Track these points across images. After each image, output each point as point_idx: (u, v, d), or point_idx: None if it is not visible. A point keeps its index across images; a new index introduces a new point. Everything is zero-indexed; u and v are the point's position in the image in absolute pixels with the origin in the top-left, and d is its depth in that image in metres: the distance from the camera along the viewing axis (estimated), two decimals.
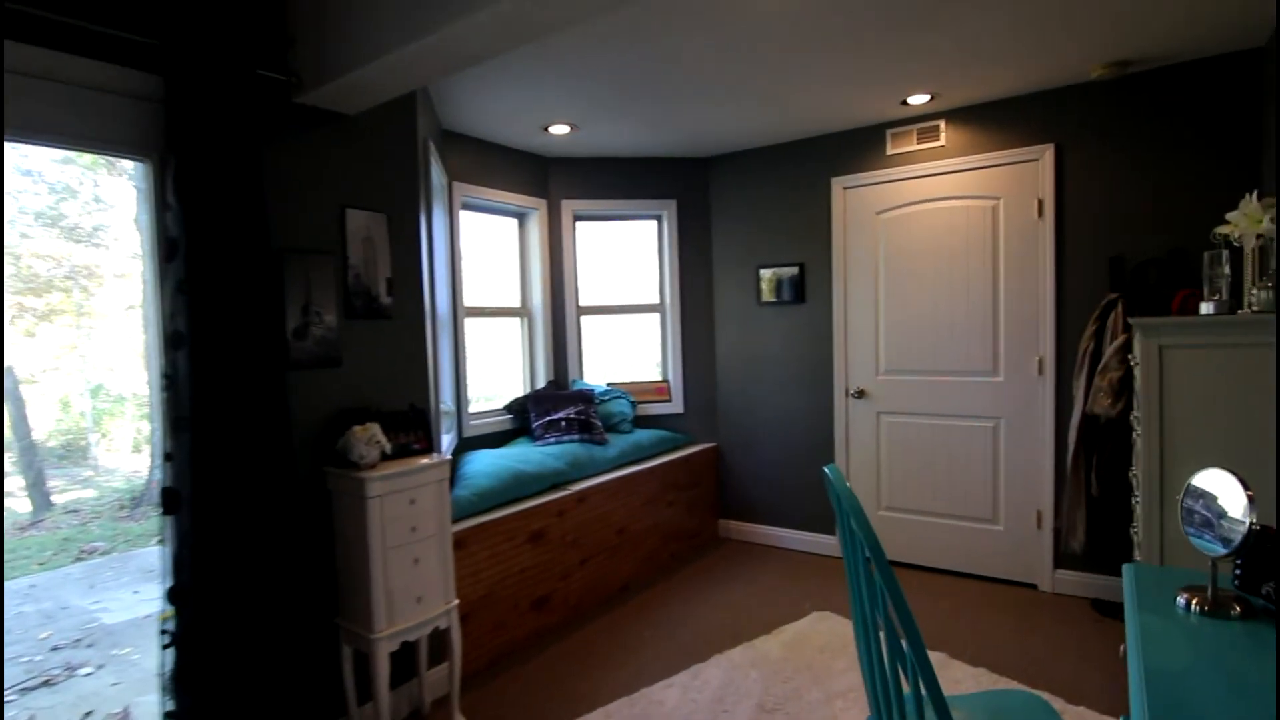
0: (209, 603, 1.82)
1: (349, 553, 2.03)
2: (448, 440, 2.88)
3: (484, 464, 2.92)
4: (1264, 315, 1.78)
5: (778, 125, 3.52)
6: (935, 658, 2.51)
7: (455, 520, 2.53)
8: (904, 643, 1.17)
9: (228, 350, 1.86)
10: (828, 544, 3.83)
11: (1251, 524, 1.15)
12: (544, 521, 2.87)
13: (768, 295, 3.98)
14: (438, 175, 2.97)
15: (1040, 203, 3.13)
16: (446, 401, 2.99)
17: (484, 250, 3.75)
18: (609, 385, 4.12)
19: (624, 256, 4.27)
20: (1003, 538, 3.32)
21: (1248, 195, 1.87)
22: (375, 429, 2.04)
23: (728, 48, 2.47)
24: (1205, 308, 1.93)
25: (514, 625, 2.72)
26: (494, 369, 3.86)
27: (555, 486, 3.10)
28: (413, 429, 2.21)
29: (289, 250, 2.08)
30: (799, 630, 2.82)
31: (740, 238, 4.07)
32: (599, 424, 3.60)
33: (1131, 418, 2.62)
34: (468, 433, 3.38)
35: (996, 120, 3.23)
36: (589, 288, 4.17)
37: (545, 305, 3.95)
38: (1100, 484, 2.92)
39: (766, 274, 3.97)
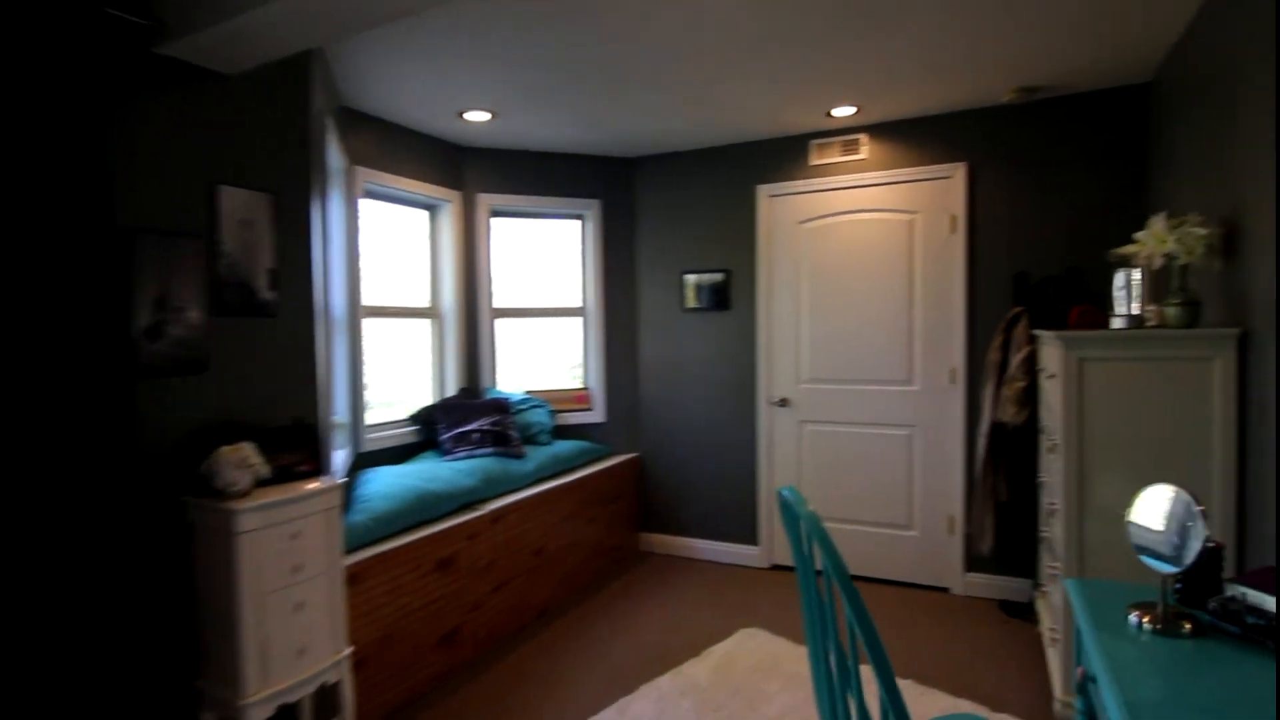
0: (9, 678, 1.41)
1: (213, 600, 1.66)
2: (341, 458, 2.51)
3: (384, 484, 2.57)
4: (1176, 330, 1.81)
5: (706, 128, 3.40)
6: (865, 673, 2.44)
7: (349, 551, 2.18)
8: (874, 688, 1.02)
9: (48, 351, 1.46)
10: (749, 555, 3.74)
11: (1206, 541, 1.10)
12: (454, 546, 2.56)
13: (692, 301, 3.85)
14: (336, 156, 2.61)
15: (953, 219, 3.19)
16: (340, 413, 2.62)
17: (390, 244, 3.37)
18: (526, 393, 3.84)
19: (544, 257, 4.01)
20: (917, 543, 3.35)
21: (1152, 216, 1.91)
22: (248, 449, 1.68)
23: (659, 38, 2.31)
24: (1116, 322, 1.96)
25: (419, 667, 2.40)
26: (398, 375, 3.48)
27: (467, 506, 2.79)
28: (297, 447, 1.86)
29: (141, 230, 1.69)
30: (727, 651, 2.68)
31: (665, 242, 3.93)
32: (515, 436, 3.32)
33: (1041, 425, 2.67)
34: (366, 447, 3.00)
35: (915, 137, 3.27)
36: (506, 289, 3.88)
37: (458, 306, 3.62)
38: (1008, 489, 2.98)
39: (691, 280, 3.85)
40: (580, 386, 4.04)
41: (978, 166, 3.14)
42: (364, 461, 2.99)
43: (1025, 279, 3.06)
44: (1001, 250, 3.11)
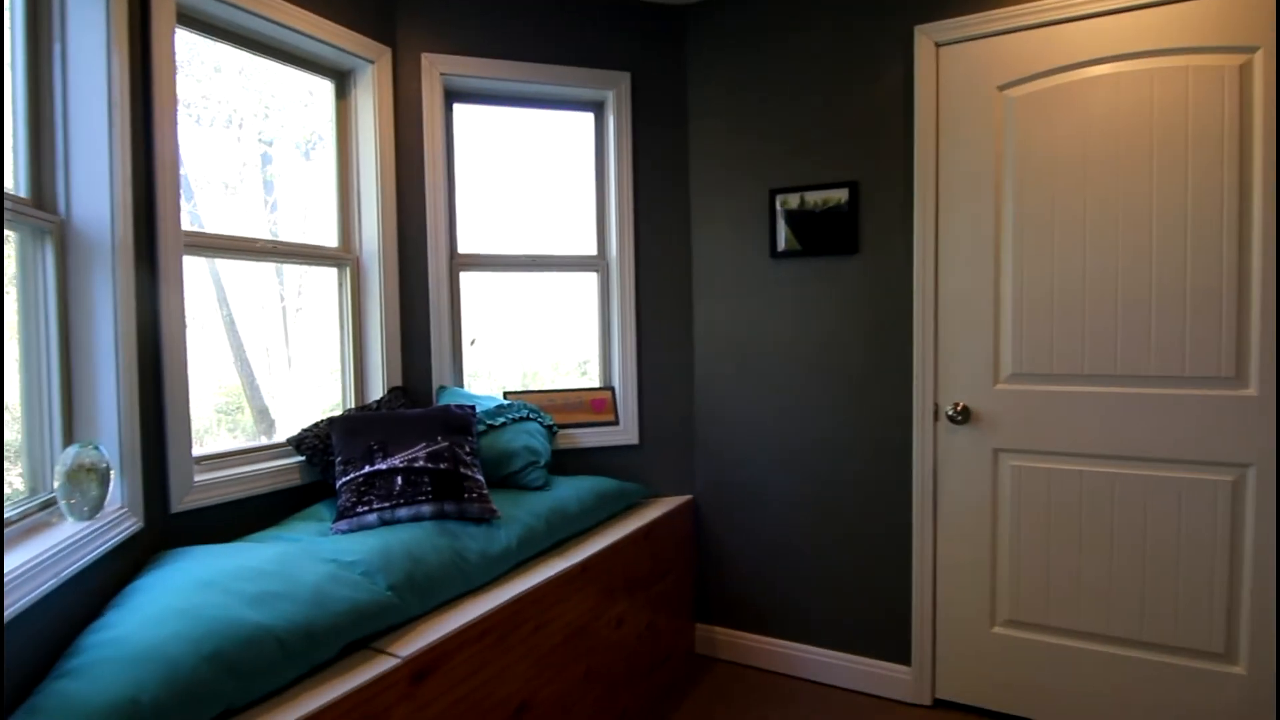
0: None
1: None
2: (60, 539, 1.26)
3: (150, 614, 1.31)
4: None
5: None
6: None
7: None
8: None
9: None
10: (895, 680, 2.45)
11: None
12: None
13: (789, 241, 2.58)
14: None
15: None
16: (105, 448, 1.38)
17: (249, 126, 2.13)
18: (507, 396, 2.60)
19: (538, 173, 2.76)
20: (1244, 687, 2.02)
21: None
22: None
23: None
24: None
25: None
26: (284, 363, 2.25)
27: (361, 646, 1.53)
28: None
29: None
30: None
31: (741, 141, 2.66)
32: (478, 476, 2.05)
33: None
34: (191, 502, 1.77)
35: None
36: (474, 225, 2.63)
37: (385, 248, 2.38)
38: None
39: (788, 203, 2.56)
40: (598, 386, 2.79)
41: None
42: (183, 531, 1.75)
43: None
44: None
